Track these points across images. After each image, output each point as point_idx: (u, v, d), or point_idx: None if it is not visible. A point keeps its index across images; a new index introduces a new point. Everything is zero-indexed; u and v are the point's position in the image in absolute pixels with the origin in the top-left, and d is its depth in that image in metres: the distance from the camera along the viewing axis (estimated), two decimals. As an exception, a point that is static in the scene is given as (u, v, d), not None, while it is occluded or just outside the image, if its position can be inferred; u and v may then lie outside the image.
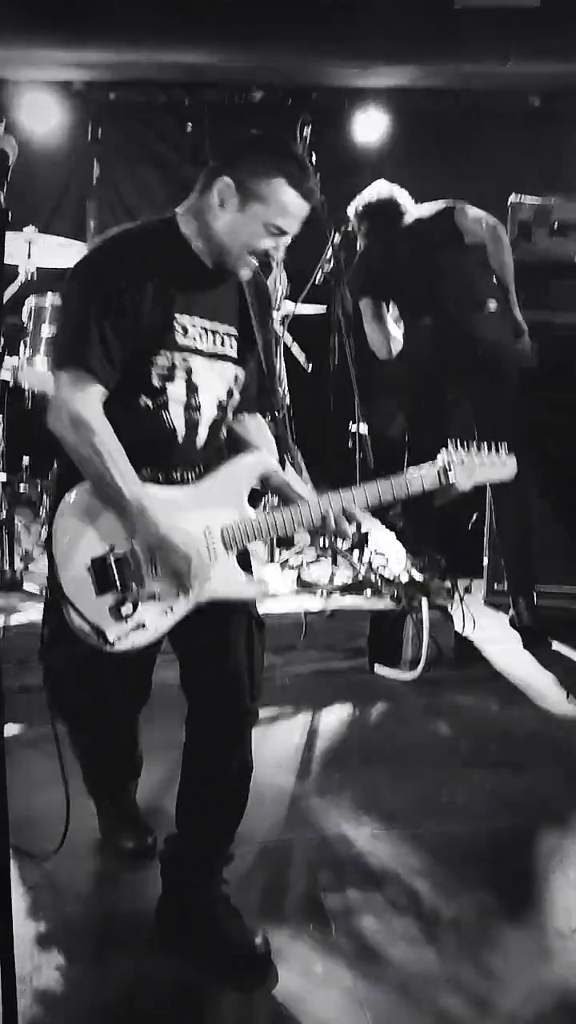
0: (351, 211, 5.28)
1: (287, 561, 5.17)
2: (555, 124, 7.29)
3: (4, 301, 4.88)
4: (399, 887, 2.88)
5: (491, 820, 3.31)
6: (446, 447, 2.69)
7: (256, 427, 2.83)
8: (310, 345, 5.67)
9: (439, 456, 2.68)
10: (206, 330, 2.54)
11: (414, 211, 5.22)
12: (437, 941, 2.63)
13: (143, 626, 2.48)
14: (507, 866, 3.03)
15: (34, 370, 4.96)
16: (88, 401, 2.39)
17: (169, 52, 6.21)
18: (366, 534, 5.32)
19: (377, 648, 4.62)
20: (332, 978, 2.48)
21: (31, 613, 4.30)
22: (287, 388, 5.55)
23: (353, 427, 5.33)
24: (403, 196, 5.25)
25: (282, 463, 2.79)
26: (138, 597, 2.47)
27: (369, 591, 4.78)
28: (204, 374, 2.55)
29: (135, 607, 2.47)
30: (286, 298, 5.46)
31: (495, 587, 5.49)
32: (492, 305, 5.05)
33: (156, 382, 2.48)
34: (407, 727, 4.09)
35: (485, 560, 5.56)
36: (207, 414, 2.58)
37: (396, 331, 5.34)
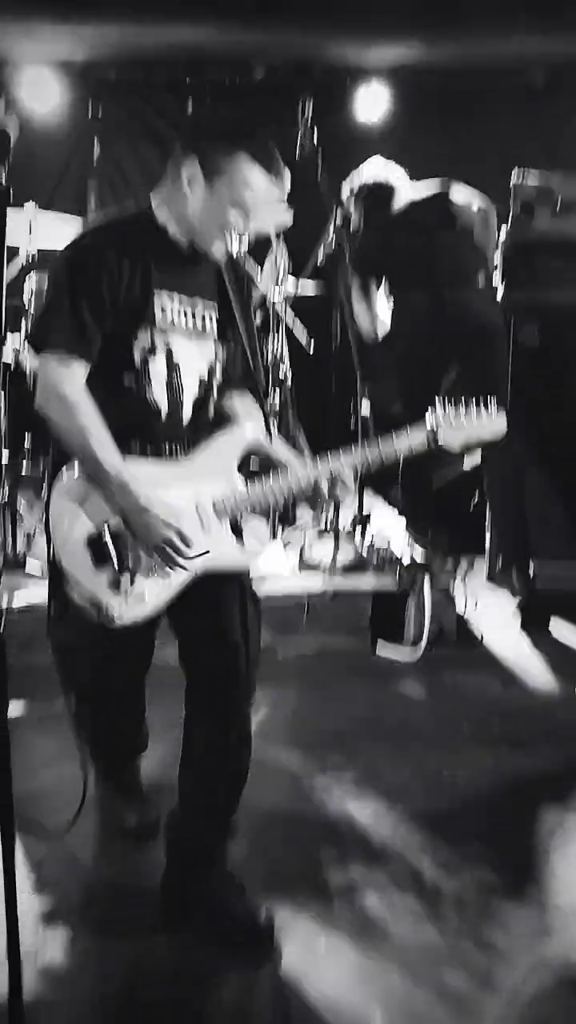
0: (345, 189, 5.31)
1: (289, 542, 5.18)
2: (558, 100, 7.25)
3: (5, 282, 4.87)
4: (401, 864, 2.90)
5: (493, 797, 3.32)
6: (433, 407, 2.72)
7: (243, 405, 2.85)
8: (312, 325, 5.66)
9: (427, 416, 2.71)
10: (185, 309, 2.63)
11: (408, 191, 5.25)
12: (439, 917, 2.65)
13: (142, 599, 2.54)
14: (509, 843, 3.05)
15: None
16: (69, 378, 2.48)
17: (169, 30, 6.18)
18: (368, 514, 5.33)
19: (379, 628, 4.63)
20: (335, 953, 2.50)
21: (34, 593, 4.31)
22: (289, 368, 5.55)
23: (356, 406, 5.32)
24: (398, 174, 5.28)
25: (293, 444, 2.81)
26: (135, 572, 2.53)
27: (371, 571, 4.79)
28: (185, 352, 2.63)
29: (133, 581, 2.53)
30: (289, 275, 5.45)
31: (497, 567, 5.49)
32: (481, 282, 5.12)
33: (138, 361, 2.56)
34: (409, 705, 4.11)
35: (487, 540, 5.56)
36: (190, 391, 2.65)
37: (384, 312, 5.36)
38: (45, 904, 2.66)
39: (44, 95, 7.02)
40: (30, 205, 5.08)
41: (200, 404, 2.69)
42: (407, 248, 5.14)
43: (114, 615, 2.52)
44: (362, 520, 5.23)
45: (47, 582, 2.72)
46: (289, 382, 5.52)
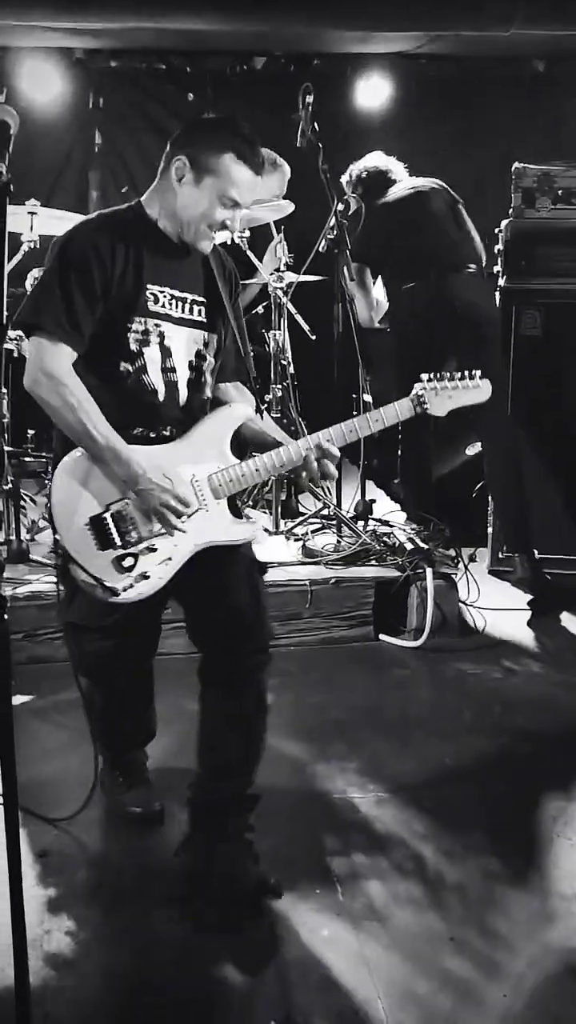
0: (344, 180, 5.40)
1: (292, 531, 5.19)
2: (559, 89, 7.24)
3: (7, 272, 4.87)
4: (404, 851, 2.91)
5: (496, 785, 3.34)
6: (420, 380, 2.84)
7: (236, 391, 3.02)
8: (314, 314, 5.66)
9: (414, 387, 2.84)
10: (175, 298, 2.77)
11: (406, 181, 5.33)
12: (442, 905, 2.66)
13: (146, 576, 2.66)
14: (511, 830, 3.07)
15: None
16: (58, 359, 2.60)
17: (170, 19, 6.16)
18: (371, 502, 5.34)
19: (382, 616, 4.65)
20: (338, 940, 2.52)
21: (38, 584, 4.32)
22: (291, 358, 5.55)
23: (358, 396, 5.33)
24: (397, 166, 5.36)
25: (295, 434, 2.89)
26: (138, 550, 2.65)
27: (374, 559, 4.80)
28: (176, 338, 2.77)
29: (136, 559, 2.65)
30: (291, 264, 5.45)
31: (500, 555, 5.50)
32: (477, 272, 5.21)
33: (134, 347, 2.69)
34: (412, 694, 4.12)
35: (489, 528, 5.57)
36: (182, 374, 2.79)
37: (380, 299, 5.40)
38: (50, 892, 2.68)
39: (44, 85, 7.03)
40: (31, 202, 5.07)
41: (194, 387, 2.82)
42: (403, 236, 5.19)
43: (120, 593, 2.63)
44: (365, 508, 5.24)
45: (55, 565, 2.81)
46: (291, 368, 5.52)
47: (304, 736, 3.56)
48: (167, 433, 2.75)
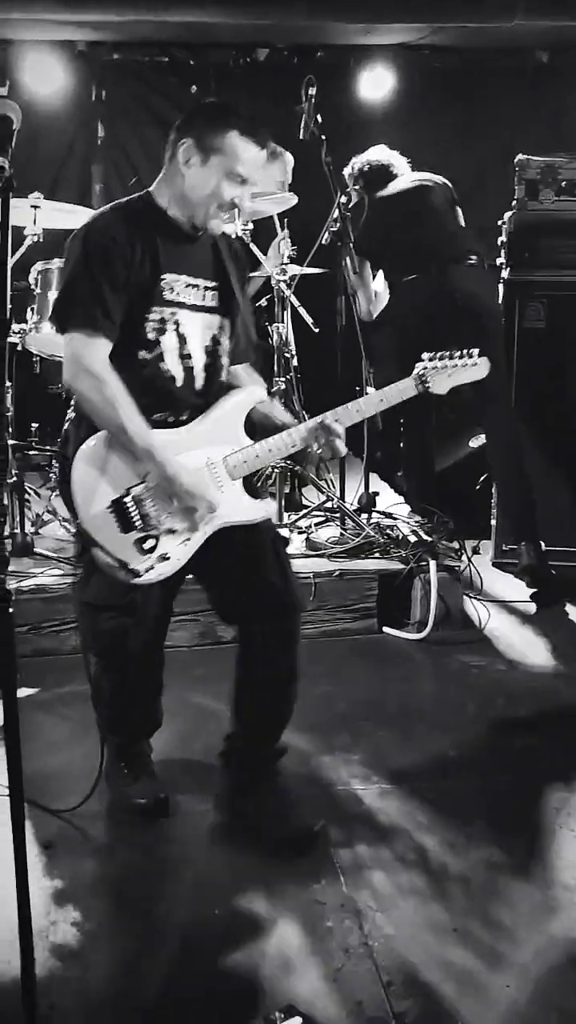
0: (346, 173, 5.40)
1: (296, 523, 5.19)
2: (562, 80, 7.23)
3: (10, 266, 4.87)
4: (407, 842, 2.92)
5: (499, 776, 3.35)
6: (421, 359, 3.00)
7: (246, 373, 3.11)
8: (318, 306, 5.65)
9: (416, 366, 3.00)
10: (189, 285, 2.83)
11: (408, 175, 5.33)
12: (445, 896, 2.67)
13: (166, 557, 2.76)
14: (514, 821, 3.07)
15: (42, 335, 4.96)
16: (96, 354, 2.67)
17: (172, 11, 6.16)
18: (375, 495, 5.35)
19: (386, 609, 4.65)
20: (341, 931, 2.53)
21: (43, 577, 4.33)
22: (294, 351, 5.55)
23: (361, 388, 5.33)
24: (399, 160, 5.35)
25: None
26: (158, 532, 2.74)
27: (377, 553, 4.81)
28: (191, 325, 2.84)
29: (157, 540, 2.74)
30: (294, 257, 5.45)
31: (503, 547, 5.50)
32: (479, 264, 5.21)
33: (151, 336, 2.76)
34: (415, 686, 4.13)
35: (493, 521, 5.57)
36: (198, 360, 2.86)
37: (380, 291, 5.40)
38: (55, 884, 2.69)
39: (47, 78, 7.02)
40: (34, 196, 5.06)
41: (210, 372, 2.90)
42: (404, 229, 5.19)
43: (141, 574, 2.72)
44: (369, 500, 5.25)
45: (73, 548, 2.94)
46: (295, 361, 5.52)
47: (308, 728, 3.56)
48: (184, 418, 2.84)
